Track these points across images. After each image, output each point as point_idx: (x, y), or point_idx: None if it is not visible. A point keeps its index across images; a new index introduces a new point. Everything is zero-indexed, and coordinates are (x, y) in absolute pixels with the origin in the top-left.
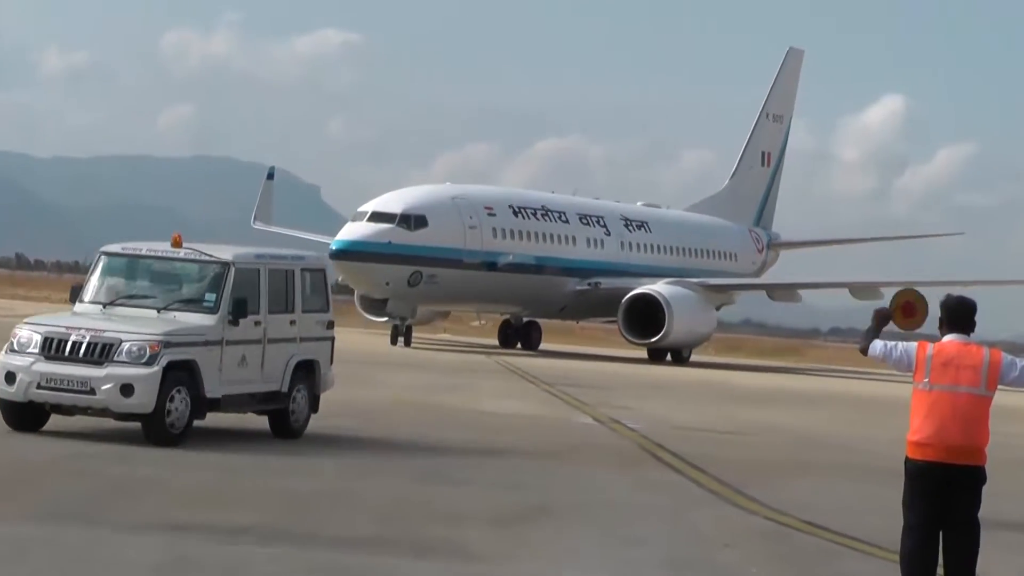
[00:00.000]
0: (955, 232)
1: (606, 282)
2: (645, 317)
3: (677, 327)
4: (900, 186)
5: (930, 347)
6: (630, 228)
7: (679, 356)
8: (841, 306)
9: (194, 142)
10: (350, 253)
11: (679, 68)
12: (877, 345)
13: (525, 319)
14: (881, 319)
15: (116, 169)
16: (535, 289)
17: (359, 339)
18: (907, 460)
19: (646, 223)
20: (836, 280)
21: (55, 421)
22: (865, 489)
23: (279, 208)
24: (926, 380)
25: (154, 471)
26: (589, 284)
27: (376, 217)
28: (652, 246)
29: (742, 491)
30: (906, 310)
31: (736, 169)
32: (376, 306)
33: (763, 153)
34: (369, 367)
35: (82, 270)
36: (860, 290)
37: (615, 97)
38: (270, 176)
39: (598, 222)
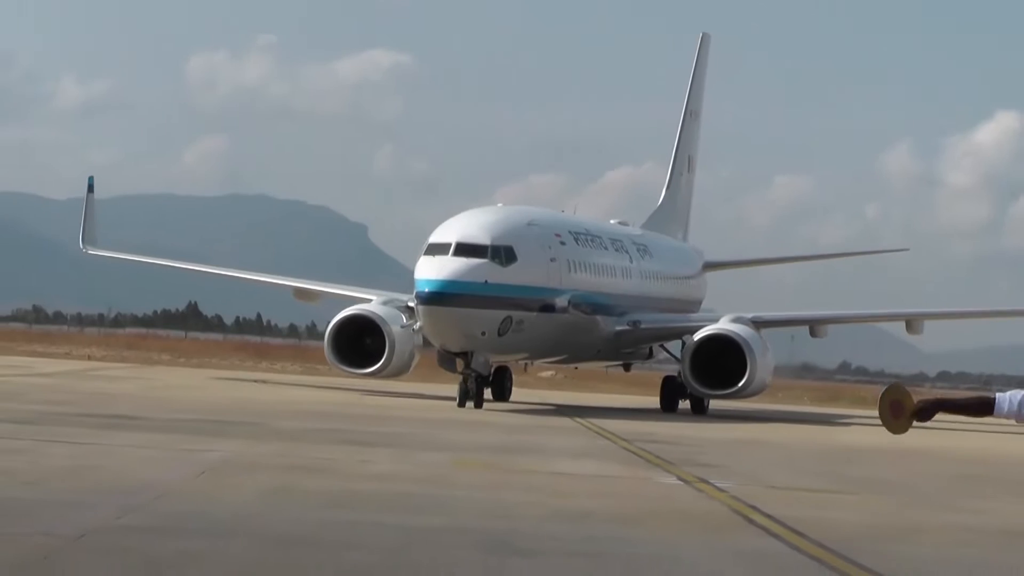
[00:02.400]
0: (900, 248)
1: (646, 320)
2: (710, 362)
3: (760, 374)
4: (1016, 214)
5: None
6: (642, 254)
7: (700, 405)
8: (950, 348)
9: (225, 179)
10: (447, 296)
11: (759, 87)
12: (1003, 403)
13: (496, 364)
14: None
15: (138, 210)
16: (586, 331)
17: (348, 398)
18: None
19: (647, 247)
20: (892, 312)
21: (84, 493)
22: (988, 554)
23: (322, 250)
24: None
25: (194, 545)
26: (629, 323)
27: (463, 250)
28: (658, 274)
29: (849, 557)
30: (895, 411)
31: (669, 179)
32: (448, 360)
33: (688, 158)
34: (426, 425)
35: (105, 324)
36: (915, 321)
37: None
38: (90, 188)
39: (621, 247)
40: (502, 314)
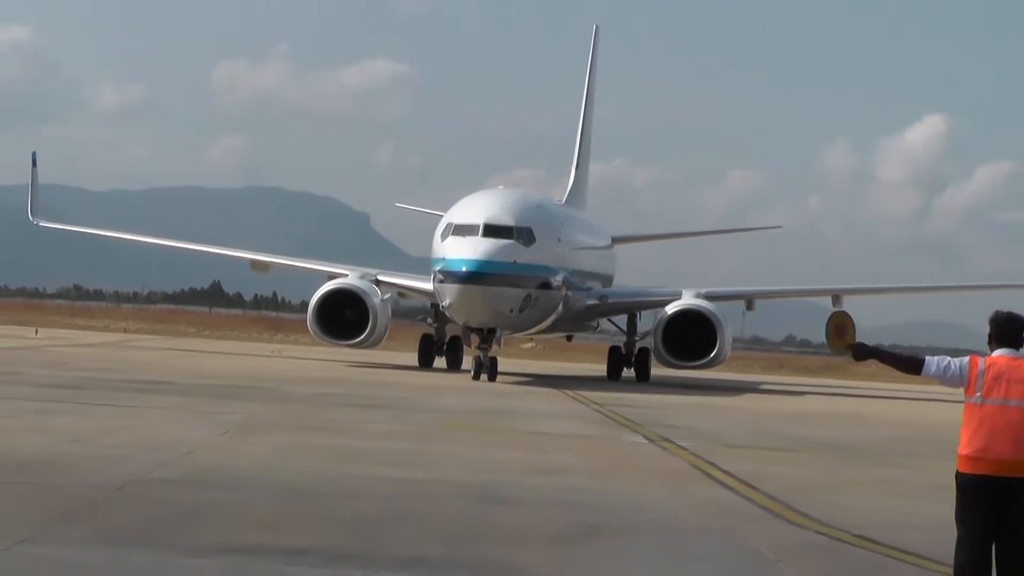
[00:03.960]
0: (774, 226)
1: (612, 295)
2: (675, 334)
3: (726, 347)
4: (941, 205)
5: (981, 362)
6: (589, 233)
7: (644, 373)
8: (885, 322)
9: (245, 173)
10: (482, 276)
11: (716, 89)
12: (931, 365)
13: (451, 334)
14: (857, 351)
15: (168, 201)
16: (568, 305)
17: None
18: (958, 474)
19: (591, 226)
20: (820, 288)
21: (122, 449)
22: (918, 504)
23: (330, 237)
24: (978, 395)
25: (218, 495)
26: (598, 297)
27: (492, 231)
28: (596, 249)
29: (794, 507)
30: (839, 332)
31: (577, 161)
32: (467, 337)
33: (588, 142)
34: (420, 391)
35: (139, 300)
36: (839, 296)
37: (658, 119)
38: (34, 163)
39: (581, 227)
40: (524, 292)
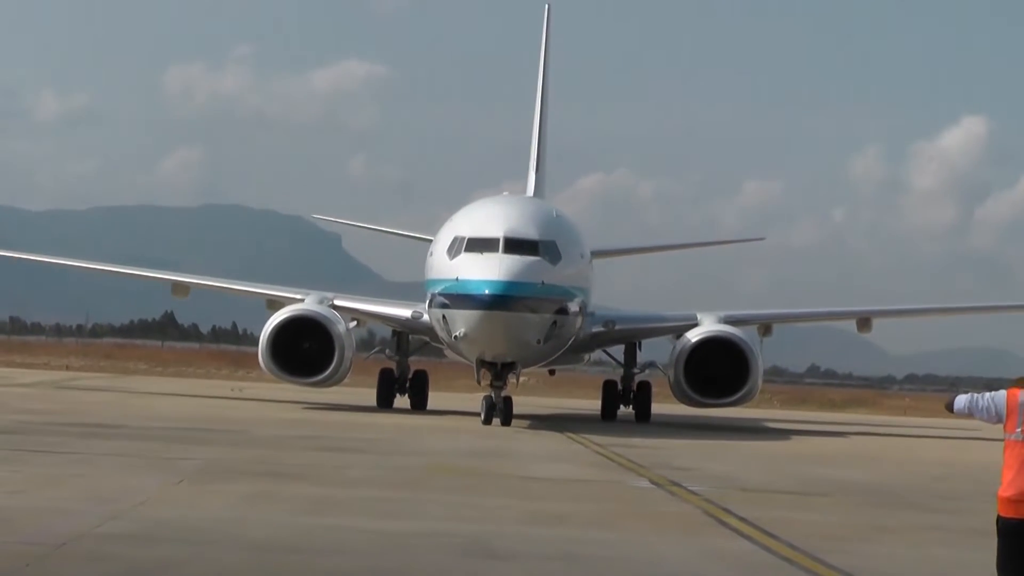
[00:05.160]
0: (757, 238)
1: (620, 320)
2: (700, 368)
3: (759, 380)
4: (982, 216)
5: (1022, 394)
6: (585, 246)
7: (646, 409)
8: (920, 349)
9: (201, 189)
10: (510, 300)
11: (729, 93)
12: (961, 399)
13: (414, 368)
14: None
15: (116, 221)
16: (576, 334)
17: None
18: (999, 519)
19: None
20: (845, 310)
21: (66, 501)
22: (955, 553)
23: (298, 259)
24: (1019, 430)
25: (174, 552)
26: (604, 324)
27: (514, 246)
28: (590, 267)
29: (818, 558)
30: None
31: (537, 161)
32: (478, 373)
33: (546, 139)
34: (398, 432)
35: (86, 333)
36: (866, 319)
37: (664, 127)
38: None
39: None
40: (550, 318)
